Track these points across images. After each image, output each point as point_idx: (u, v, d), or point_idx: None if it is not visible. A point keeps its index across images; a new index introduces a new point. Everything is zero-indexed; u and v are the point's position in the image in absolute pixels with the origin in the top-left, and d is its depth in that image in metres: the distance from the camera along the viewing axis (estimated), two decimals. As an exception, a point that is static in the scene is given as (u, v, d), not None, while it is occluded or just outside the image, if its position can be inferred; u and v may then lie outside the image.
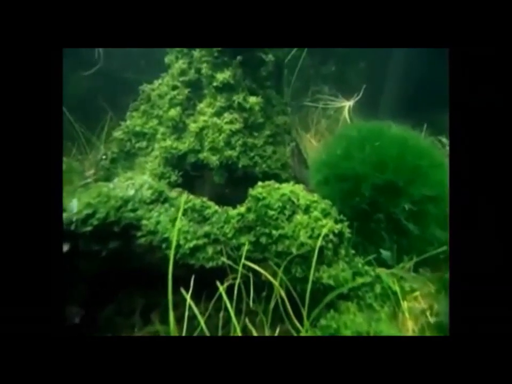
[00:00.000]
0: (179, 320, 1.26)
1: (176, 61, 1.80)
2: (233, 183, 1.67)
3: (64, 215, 1.00)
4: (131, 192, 1.21)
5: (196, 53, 1.71)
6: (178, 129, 1.77)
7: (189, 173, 1.70)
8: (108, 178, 1.89)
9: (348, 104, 3.68)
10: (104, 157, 2.00)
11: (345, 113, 3.66)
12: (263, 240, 1.06)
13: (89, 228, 1.01)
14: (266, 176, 1.69)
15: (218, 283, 0.96)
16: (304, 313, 0.87)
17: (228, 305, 0.87)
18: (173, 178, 1.68)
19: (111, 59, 3.40)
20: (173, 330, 0.87)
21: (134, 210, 1.15)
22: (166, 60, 1.84)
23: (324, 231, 0.90)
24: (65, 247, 0.97)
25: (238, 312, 1.01)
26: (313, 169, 1.61)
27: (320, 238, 0.89)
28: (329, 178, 1.42)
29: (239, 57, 1.64)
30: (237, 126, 1.64)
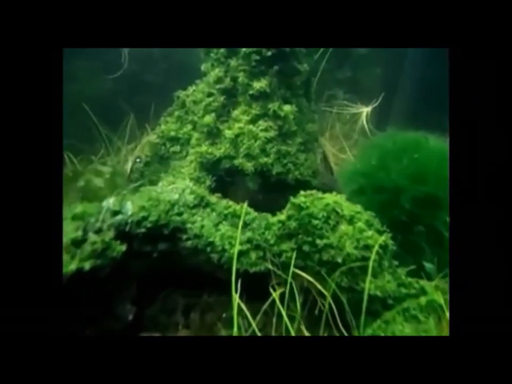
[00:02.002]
0: (215, 322, 1.30)
1: (212, 69, 1.86)
2: (266, 190, 1.71)
3: (120, 216, 1.06)
4: (175, 196, 1.26)
5: (233, 62, 1.76)
6: (212, 135, 1.82)
7: (223, 178, 1.75)
8: (138, 182, 1.95)
9: (365, 110, 3.67)
10: (138, 160, 2.08)
11: (363, 118, 3.65)
12: (306, 248, 1.09)
13: (142, 230, 1.06)
14: (298, 183, 1.72)
15: (271, 289, 0.99)
16: (361, 323, 0.89)
17: (282, 310, 0.90)
18: (208, 183, 1.73)
19: (131, 61, 3.49)
20: (235, 333, 0.90)
21: (179, 214, 1.20)
22: (202, 67, 1.90)
23: (378, 243, 0.93)
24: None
25: (280, 318, 1.04)
26: (347, 178, 1.62)
27: (374, 250, 0.92)
28: (365, 188, 1.44)
29: (275, 67, 1.68)
30: (272, 133, 1.68)
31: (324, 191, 1.23)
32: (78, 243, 0.89)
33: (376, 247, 0.93)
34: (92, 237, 0.92)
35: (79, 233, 0.90)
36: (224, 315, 1.28)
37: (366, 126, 3.54)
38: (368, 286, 0.92)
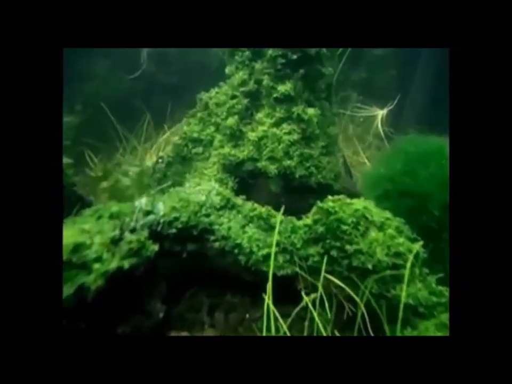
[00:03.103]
0: (241, 323, 1.32)
1: (237, 72, 1.88)
2: (288, 192, 1.71)
3: (152, 217, 1.08)
4: (203, 197, 1.28)
5: (258, 65, 1.78)
6: (235, 137, 1.84)
7: (245, 180, 1.76)
8: (160, 181, 1.99)
9: (381, 113, 3.64)
10: (160, 160, 2.11)
11: (378, 121, 3.62)
12: (334, 253, 1.09)
13: (173, 230, 1.08)
14: (320, 187, 1.72)
15: (303, 294, 1.00)
16: (398, 330, 0.89)
17: (315, 315, 0.91)
18: (230, 184, 1.75)
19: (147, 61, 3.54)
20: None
21: (207, 215, 1.22)
22: (227, 70, 1.92)
23: (413, 252, 0.93)
24: None
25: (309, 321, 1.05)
26: (371, 182, 1.61)
27: (410, 258, 0.91)
28: (391, 193, 1.42)
29: (301, 71, 1.69)
30: (295, 136, 1.69)
31: (349, 195, 1.23)
32: (116, 242, 0.91)
33: (411, 256, 0.92)
34: (128, 236, 0.94)
35: (117, 232, 0.93)
36: (247, 315, 1.29)
37: (380, 129, 3.50)
38: (398, 293, 0.92)
